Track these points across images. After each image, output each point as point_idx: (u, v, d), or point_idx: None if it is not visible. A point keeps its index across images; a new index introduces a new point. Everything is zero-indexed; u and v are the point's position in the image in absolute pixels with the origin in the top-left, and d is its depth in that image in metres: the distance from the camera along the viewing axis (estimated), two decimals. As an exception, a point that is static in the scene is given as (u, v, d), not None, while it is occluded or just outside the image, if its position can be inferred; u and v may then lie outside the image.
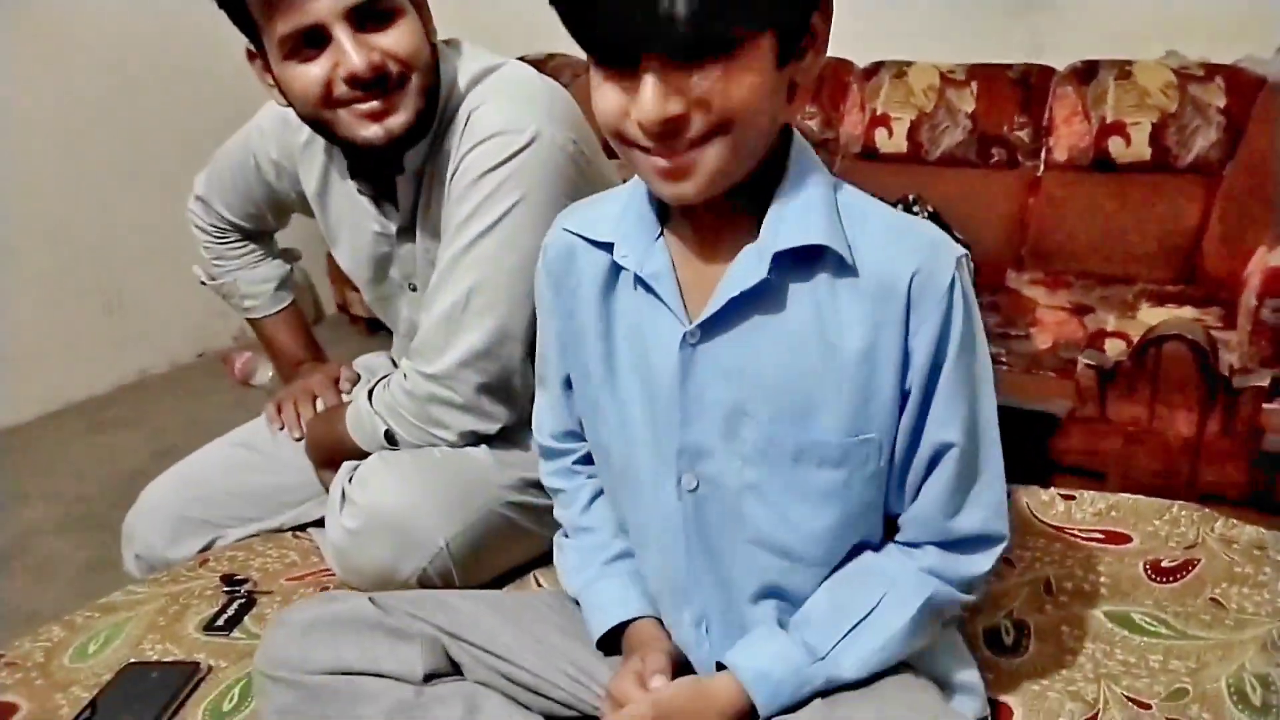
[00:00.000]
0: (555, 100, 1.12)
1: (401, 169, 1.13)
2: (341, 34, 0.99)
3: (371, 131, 1.05)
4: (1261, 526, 1.15)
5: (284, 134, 1.26)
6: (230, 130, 1.35)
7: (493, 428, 1.15)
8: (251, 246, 1.47)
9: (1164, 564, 1.09)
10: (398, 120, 1.05)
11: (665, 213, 0.80)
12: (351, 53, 0.99)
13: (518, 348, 1.11)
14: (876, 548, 0.83)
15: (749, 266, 0.74)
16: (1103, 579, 1.09)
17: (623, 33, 0.65)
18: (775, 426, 0.77)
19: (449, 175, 1.10)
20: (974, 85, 2.65)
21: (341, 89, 1.02)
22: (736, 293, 0.74)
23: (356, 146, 1.07)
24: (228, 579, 1.18)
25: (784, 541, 0.80)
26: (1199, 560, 1.09)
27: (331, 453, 1.24)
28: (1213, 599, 1.03)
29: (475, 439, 1.15)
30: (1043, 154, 2.59)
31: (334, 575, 1.18)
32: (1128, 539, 1.16)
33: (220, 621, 1.09)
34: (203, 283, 1.51)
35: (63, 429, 2.78)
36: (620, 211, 0.82)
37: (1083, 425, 1.27)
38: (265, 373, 3.08)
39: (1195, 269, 2.37)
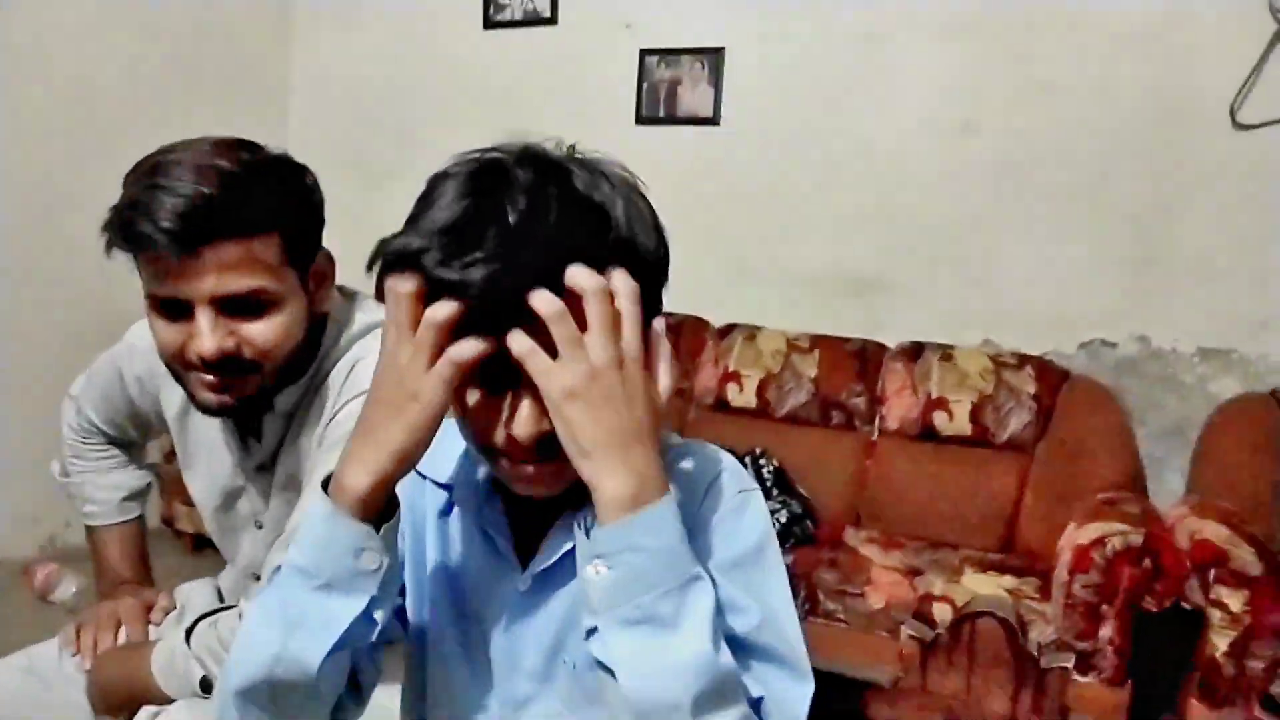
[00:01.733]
0: None
1: (271, 408, 1.13)
2: (202, 317, 1.01)
3: (209, 399, 1.06)
4: (1075, 808, 1.18)
5: (151, 355, 1.24)
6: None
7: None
8: (113, 452, 1.43)
9: (985, 847, 1.10)
10: (230, 399, 1.06)
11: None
12: (205, 336, 1.01)
13: None
14: None
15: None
16: None
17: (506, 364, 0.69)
18: (581, 670, 0.79)
19: (323, 421, 1.11)
20: (817, 352, 2.86)
21: (192, 356, 1.03)
22: (567, 548, 0.78)
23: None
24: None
25: None
26: (1018, 843, 1.11)
27: (121, 697, 1.15)
28: None
29: None
30: (877, 420, 2.79)
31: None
32: (952, 818, 1.17)
33: None
34: (56, 479, 1.47)
35: None
36: (461, 458, 0.85)
37: (907, 695, 1.30)
38: (68, 589, 2.81)
39: (1013, 539, 2.53)
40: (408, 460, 0.72)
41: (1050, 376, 2.61)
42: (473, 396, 0.73)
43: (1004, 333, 2.81)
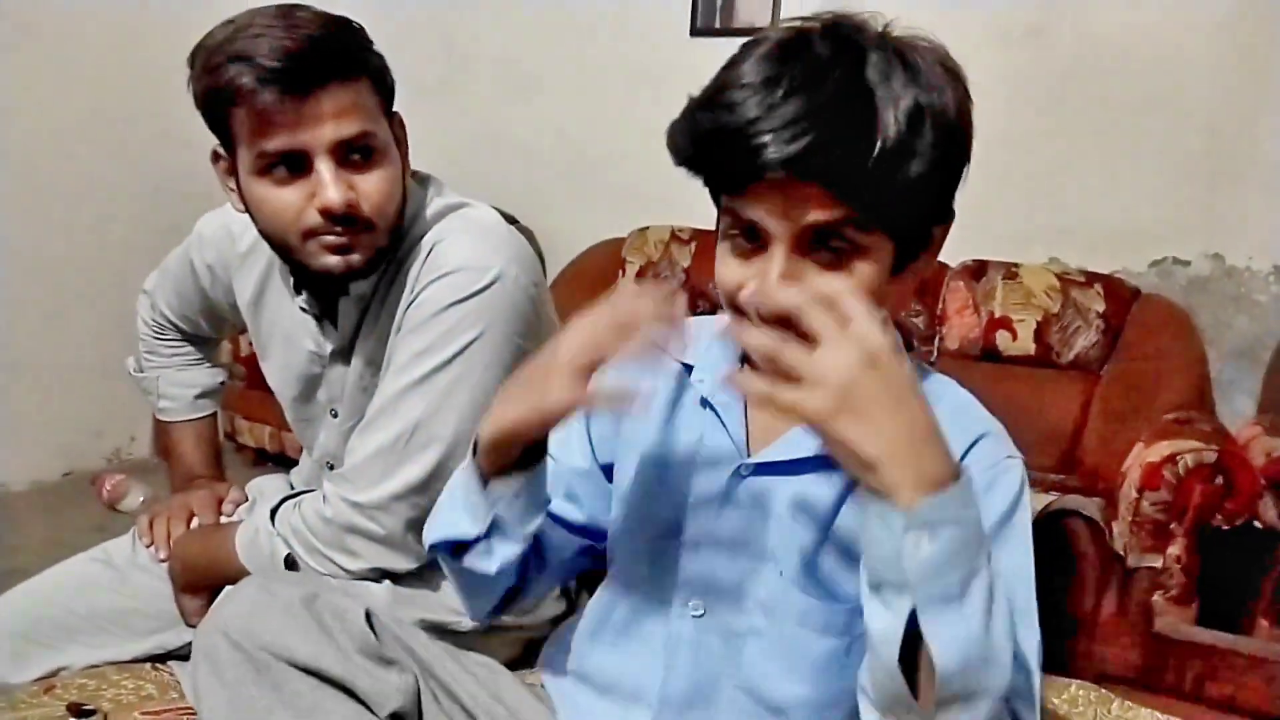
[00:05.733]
0: (518, 243, 1.13)
1: (347, 291, 1.12)
2: (324, 166, 0.99)
3: (332, 262, 1.04)
4: (1156, 710, 1.16)
5: (223, 242, 1.25)
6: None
7: (406, 566, 1.10)
8: (188, 349, 1.43)
9: (1066, 741, 1.09)
10: (357, 257, 1.04)
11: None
12: (330, 187, 0.99)
13: None
14: None
15: None
16: (1006, 754, 1.07)
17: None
18: (790, 581, 0.76)
19: (403, 304, 1.09)
20: (875, 272, 2.79)
21: (312, 218, 1.01)
22: (806, 453, 0.75)
23: (309, 271, 1.06)
24: (75, 709, 1.05)
25: (773, 698, 0.77)
26: (1099, 740, 1.09)
27: (201, 574, 1.16)
28: (1115, 779, 1.03)
29: (378, 574, 1.09)
30: (936, 341, 2.73)
31: (196, 714, 1.08)
32: (1028, 714, 1.15)
33: (61, 756, 0.98)
34: (130, 373, 1.47)
35: (-98, 543, 2.53)
36: (708, 339, 0.83)
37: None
38: (136, 498, 2.89)
39: (1075, 461, 2.48)
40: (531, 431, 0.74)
41: (1120, 295, 2.53)
42: (729, 260, 0.74)
43: (1070, 251, 2.72)
